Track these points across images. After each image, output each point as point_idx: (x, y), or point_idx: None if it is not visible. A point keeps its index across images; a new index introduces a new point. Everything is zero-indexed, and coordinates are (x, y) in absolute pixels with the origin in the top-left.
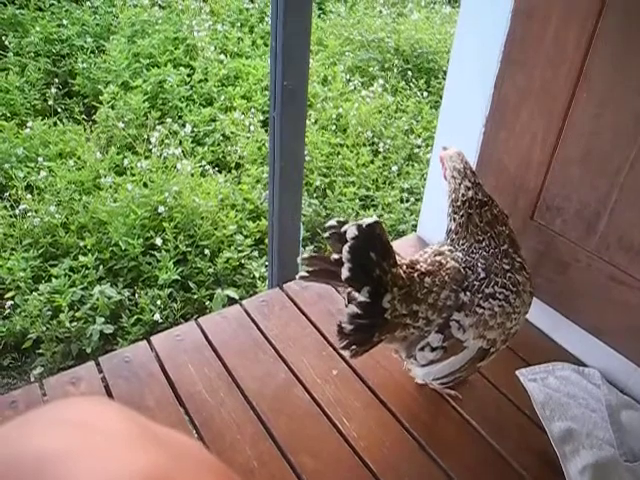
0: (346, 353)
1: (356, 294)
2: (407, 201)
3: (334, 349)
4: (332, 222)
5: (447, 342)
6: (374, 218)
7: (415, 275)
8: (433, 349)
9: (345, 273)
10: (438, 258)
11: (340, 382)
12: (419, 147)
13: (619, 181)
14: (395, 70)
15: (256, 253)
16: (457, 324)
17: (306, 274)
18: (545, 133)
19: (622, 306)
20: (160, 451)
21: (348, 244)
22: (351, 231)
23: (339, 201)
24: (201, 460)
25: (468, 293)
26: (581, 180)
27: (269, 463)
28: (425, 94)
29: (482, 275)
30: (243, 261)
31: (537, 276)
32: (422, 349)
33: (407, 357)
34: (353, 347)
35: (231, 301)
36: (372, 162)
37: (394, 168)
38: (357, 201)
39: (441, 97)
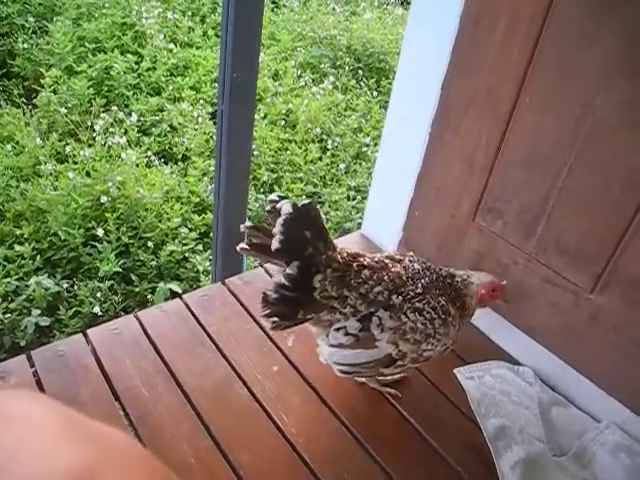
0: (267, 324)
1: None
2: (354, 199)
3: (275, 345)
4: (273, 196)
5: (362, 333)
6: (310, 200)
7: (354, 264)
8: (347, 334)
9: (275, 244)
10: (387, 261)
11: (280, 378)
12: (367, 146)
13: (558, 186)
14: (346, 68)
15: (200, 247)
16: (378, 321)
17: (247, 246)
18: (489, 136)
19: (555, 307)
20: (89, 446)
21: (282, 217)
22: (286, 208)
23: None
24: (133, 455)
25: (400, 297)
26: (522, 183)
27: (207, 459)
28: (375, 93)
29: (419, 290)
30: (187, 255)
31: (362, 256)
32: (337, 330)
33: (320, 334)
34: (276, 319)
35: (174, 295)
36: (320, 159)
37: (342, 166)
38: (304, 197)
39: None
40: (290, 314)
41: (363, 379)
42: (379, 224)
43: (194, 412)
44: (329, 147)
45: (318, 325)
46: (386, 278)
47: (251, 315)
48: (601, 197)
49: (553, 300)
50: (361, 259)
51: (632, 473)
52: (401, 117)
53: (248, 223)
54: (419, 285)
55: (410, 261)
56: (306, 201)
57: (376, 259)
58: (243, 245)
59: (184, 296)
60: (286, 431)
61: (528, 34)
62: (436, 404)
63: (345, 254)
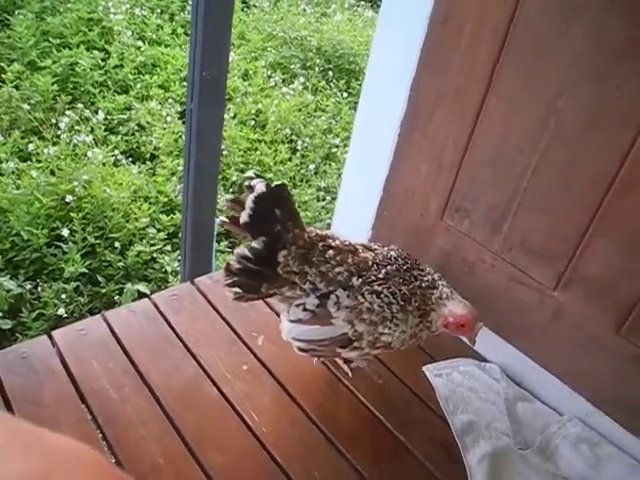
0: (230, 294)
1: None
2: (323, 199)
3: (245, 344)
4: (250, 173)
5: (319, 309)
6: (282, 182)
7: (320, 244)
8: (305, 309)
9: (244, 217)
10: (359, 247)
11: (250, 377)
12: (337, 147)
13: (523, 185)
14: (316, 69)
15: (169, 247)
16: (336, 298)
17: (226, 219)
18: (457, 136)
19: (520, 305)
20: (37, 457)
21: (254, 194)
22: (259, 187)
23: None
24: (84, 460)
25: (360, 280)
26: (489, 183)
27: (176, 459)
28: (345, 95)
29: (381, 276)
30: (155, 255)
31: (445, 275)
32: (298, 305)
33: (283, 310)
34: (238, 290)
35: (141, 296)
36: (290, 159)
37: (312, 167)
38: None
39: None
40: (253, 287)
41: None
42: (348, 223)
43: (163, 412)
44: (299, 148)
45: (282, 301)
46: (350, 261)
47: (220, 315)
48: (564, 197)
49: (518, 298)
50: (330, 241)
51: (592, 464)
52: (370, 117)
53: (229, 196)
54: (383, 271)
55: (388, 250)
56: (279, 182)
57: (347, 243)
58: (223, 218)
59: (153, 296)
60: (256, 430)
61: (495, 36)
62: (405, 402)
63: (314, 234)
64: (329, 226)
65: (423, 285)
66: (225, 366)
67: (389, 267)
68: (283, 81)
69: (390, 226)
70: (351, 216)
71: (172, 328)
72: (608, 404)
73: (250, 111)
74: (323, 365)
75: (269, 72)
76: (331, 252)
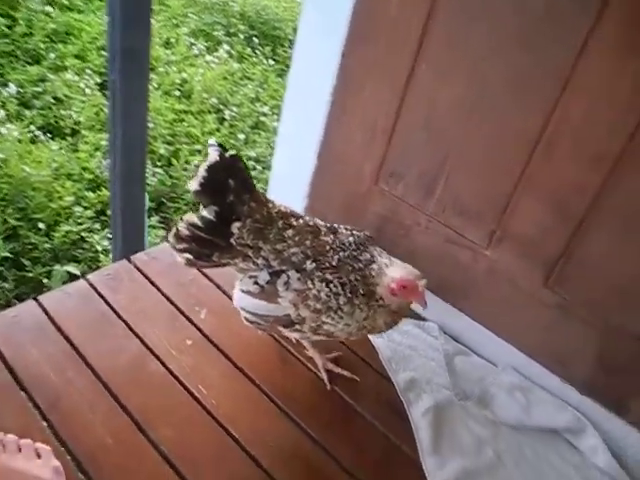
0: (180, 259)
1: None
2: (254, 169)
3: (187, 319)
4: (212, 141)
5: (268, 286)
6: (236, 153)
7: (280, 222)
8: (256, 283)
9: (195, 185)
10: (323, 229)
11: (195, 351)
12: (265, 115)
13: (454, 148)
14: (240, 36)
15: (98, 225)
16: (286, 278)
17: (199, 187)
18: (389, 102)
19: (455, 265)
20: None
21: (207, 163)
22: (212, 155)
23: (185, 170)
24: None
25: (314, 264)
26: (421, 147)
27: (125, 438)
28: (271, 62)
29: (334, 263)
30: (84, 234)
31: (382, 239)
32: (250, 277)
33: (238, 278)
34: (188, 256)
35: (72, 278)
36: (218, 130)
37: (241, 136)
38: None
39: (287, 66)
40: (204, 255)
41: (312, 353)
42: (284, 193)
43: (109, 393)
44: (227, 117)
45: (237, 271)
46: (308, 243)
47: (160, 291)
48: (493, 159)
49: (453, 258)
50: (292, 219)
51: (526, 408)
52: (301, 85)
53: (197, 163)
54: (336, 258)
55: (349, 235)
56: (233, 152)
57: (310, 223)
58: (196, 187)
59: (88, 276)
60: (206, 403)
61: (423, 3)
62: (351, 365)
63: (277, 210)
64: None
65: (362, 265)
66: (169, 342)
67: (342, 253)
68: (207, 49)
69: (325, 193)
70: (286, 185)
71: (111, 307)
72: (538, 352)
73: (174, 81)
74: (269, 336)
75: (192, 40)
76: (290, 232)
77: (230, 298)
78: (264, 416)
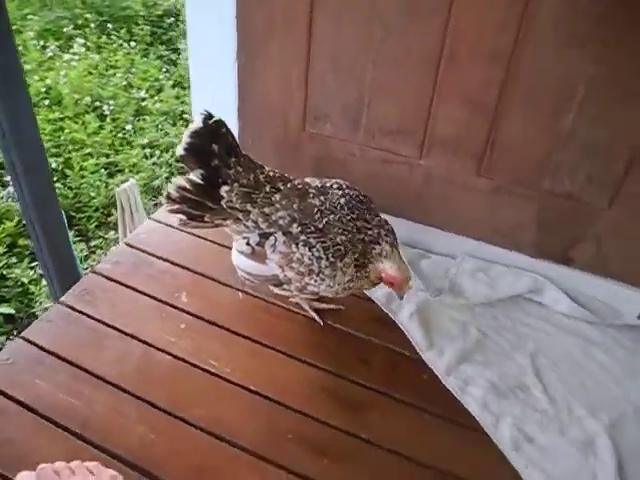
0: (175, 221)
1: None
2: (152, 156)
3: (172, 306)
4: (202, 110)
5: (258, 248)
6: (219, 118)
7: (267, 186)
8: (248, 244)
9: (179, 150)
10: (312, 192)
11: (191, 332)
12: (144, 100)
13: (368, 80)
14: (92, 25)
15: (14, 259)
16: (274, 241)
17: (183, 152)
18: (297, 52)
19: (395, 181)
20: None
21: (191, 129)
22: (196, 121)
23: (82, 177)
24: None
25: (300, 228)
26: (338, 87)
27: (164, 429)
28: (132, 44)
29: (321, 226)
30: (3, 272)
31: (321, 176)
32: (244, 238)
33: (235, 239)
34: (182, 217)
35: (7, 318)
36: (102, 128)
37: (128, 127)
38: (103, 171)
39: (148, 44)
40: (196, 216)
41: (297, 299)
42: None
43: (130, 395)
44: (106, 113)
45: (232, 232)
46: (295, 206)
47: (135, 289)
48: (406, 80)
49: (392, 175)
50: (280, 184)
51: (490, 285)
52: (203, 56)
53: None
54: (324, 221)
55: (340, 195)
56: (217, 118)
57: (300, 186)
58: (181, 151)
59: (62, 299)
60: (221, 373)
61: None
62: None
63: (265, 175)
64: (168, 180)
65: (366, 239)
66: (164, 332)
67: (331, 216)
68: (60, 48)
69: (256, 151)
70: None
71: (97, 320)
72: (486, 234)
73: (39, 90)
74: (249, 295)
75: (41, 42)
76: (278, 196)
77: (202, 275)
78: (277, 366)
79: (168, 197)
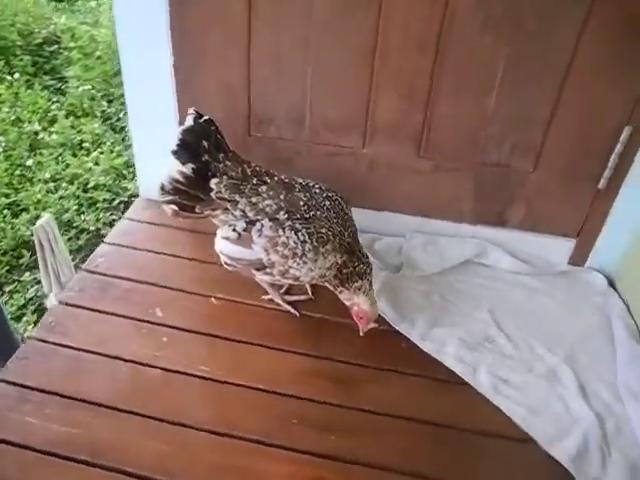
0: (168, 210)
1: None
2: (57, 190)
3: (149, 322)
4: (191, 110)
5: (244, 233)
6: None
7: (255, 179)
8: (234, 230)
9: (172, 147)
10: (297, 186)
11: (174, 343)
12: (37, 133)
13: (307, 81)
14: None
15: None
16: (260, 227)
17: (176, 148)
18: (237, 60)
19: (342, 172)
20: None
21: (183, 127)
22: (188, 121)
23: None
24: None
25: (286, 215)
26: (280, 90)
27: (174, 438)
28: (16, 75)
29: (307, 216)
30: None
31: (271, 175)
32: (230, 225)
33: (220, 228)
34: (175, 207)
35: None
36: None
37: (29, 162)
38: (5, 212)
39: (31, 75)
40: (188, 207)
41: (269, 296)
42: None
43: (131, 414)
44: None
45: (219, 222)
46: (282, 197)
47: (108, 313)
48: (343, 75)
49: (339, 166)
50: (266, 177)
51: (439, 254)
52: (138, 73)
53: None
54: (310, 214)
55: (324, 198)
56: (207, 117)
57: (286, 180)
58: (174, 148)
59: (32, 334)
60: (215, 376)
61: None
62: (299, 288)
63: (251, 169)
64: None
65: (356, 269)
66: (148, 348)
67: (318, 212)
68: None
69: None
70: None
71: (75, 349)
72: (430, 210)
73: None
74: (221, 300)
75: None
76: (264, 187)
77: (170, 289)
78: (265, 359)
79: (162, 189)
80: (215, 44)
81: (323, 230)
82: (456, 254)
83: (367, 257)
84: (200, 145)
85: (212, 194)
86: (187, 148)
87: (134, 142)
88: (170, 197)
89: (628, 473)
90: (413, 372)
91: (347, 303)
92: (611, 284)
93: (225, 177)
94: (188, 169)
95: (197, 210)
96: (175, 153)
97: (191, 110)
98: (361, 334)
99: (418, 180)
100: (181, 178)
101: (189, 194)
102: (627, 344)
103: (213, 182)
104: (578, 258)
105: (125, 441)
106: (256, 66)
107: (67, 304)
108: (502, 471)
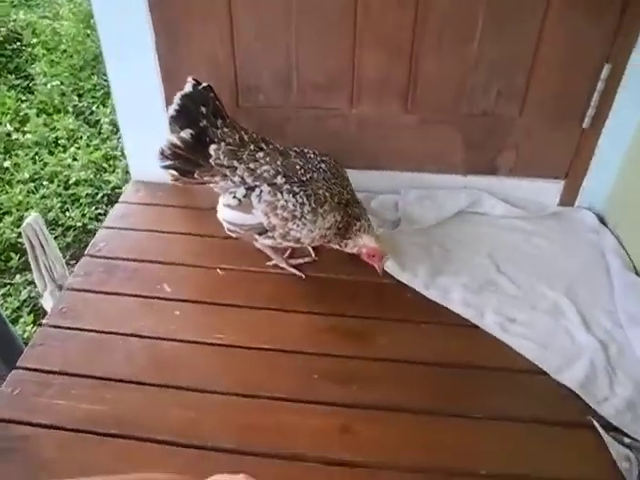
0: (168, 176)
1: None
2: (38, 189)
3: (160, 299)
4: (190, 78)
5: (244, 199)
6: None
7: (252, 146)
8: (234, 197)
9: (170, 112)
10: (292, 153)
11: (187, 315)
12: (9, 134)
13: (292, 42)
14: None
15: None
16: (259, 192)
17: (174, 113)
18: (219, 30)
19: (332, 134)
20: None
21: (181, 92)
22: (187, 87)
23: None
24: None
25: (284, 179)
26: (264, 55)
27: (202, 405)
28: None
29: (304, 179)
30: None
31: (267, 142)
32: (230, 193)
33: (221, 195)
34: (174, 172)
35: None
36: None
37: (6, 164)
38: None
39: None
40: (187, 172)
41: (273, 262)
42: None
43: (156, 387)
44: None
45: (219, 189)
46: (278, 162)
47: (117, 294)
48: (327, 34)
49: (328, 129)
50: (263, 144)
51: (437, 208)
52: (120, 55)
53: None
54: (307, 176)
55: (320, 161)
56: (205, 84)
57: (281, 148)
58: (172, 112)
59: (44, 321)
60: (231, 342)
61: None
62: (301, 250)
63: (249, 136)
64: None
65: (350, 213)
66: (163, 323)
67: (315, 174)
68: None
69: None
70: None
71: (91, 330)
72: (422, 164)
73: None
74: (227, 270)
75: None
76: (261, 154)
77: (175, 264)
78: (277, 322)
79: (161, 153)
80: (196, 16)
81: (320, 192)
82: (451, 205)
83: (359, 202)
84: (198, 111)
85: (211, 160)
86: (185, 113)
87: (121, 125)
88: (169, 162)
89: (633, 390)
90: (422, 320)
91: (355, 251)
92: (601, 221)
93: (223, 144)
94: (187, 134)
95: (196, 176)
96: (173, 118)
97: (190, 78)
98: (380, 273)
99: (408, 136)
100: (179, 143)
101: (188, 159)
102: (622, 274)
103: (212, 148)
104: (568, 198)
105: (152, 412)
106: (239, 34)
107: (75, 289)
108: (518, 400)
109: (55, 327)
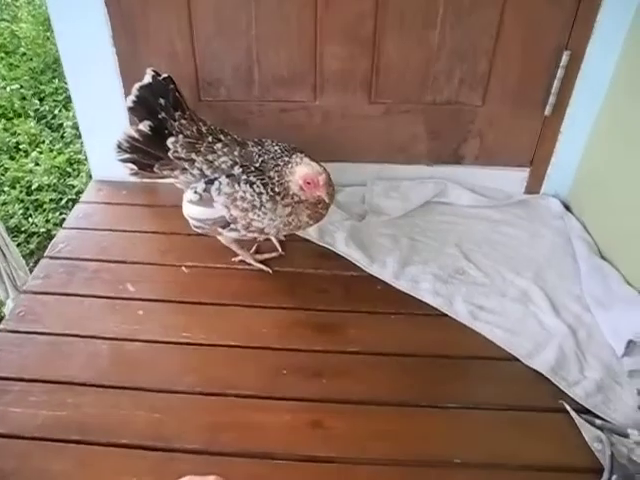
0: (126, 170)
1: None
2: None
3: (123, 299)
4: (149, 70)
5: (205, 194)
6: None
7: (210, 137)
8: (195, 192)
9: (128, 103)
10: (250, 143)
11: (150, 314)
12: None
13: (252, 35)
14: None
15: None
16: (218, 185)
17: (132, 104)
18: (177, 22)
19: (297, 126)
20: None
21: (140, 83)
22: (146, 77)
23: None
24: None
25: (241, 169)
26: (224, 48)
27: (167, 406)
28: None
29: (257, 166)
30: None
31: (225, 134)
32: (192, 188)
33: (184, 192)
34: (133, 166)
35: None
36: None
37: None
38: None
39: None
40: (146, 165)
41: (239, 257)
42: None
43: (118, 389)
44: None
45: (182, 185)
46: (236, 153)
47: (78, 295)
48: (288, 26)
49: (293, 122)
50: (221, 135)
51: (403, 199)
52: (75, 53)
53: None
54: (260, 160)
55: (275, 145)
56: (166, 75)
57: (239, 139)
58: (129, 104)
59: (1, 326)
60: (198, 340)
61: None
62: (269, 246)
63: (207, 127)
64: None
65: (280, 163)
66: (125, 323)
67: (266, 156)
68: None
69: None
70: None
71: (50, 334)
72: (387, 155)
73: None
74: (193, 268)
75: None
76: (219, 145)
77: (138, 263)
78: (245, 318)
79: (119, 146)
80: (154, 9)
81: (272, 174)
82: (418, 196)
83: (290, 146)
84: (157, 103)
85: (169, 154)
86: (144, 105)
87: (80, 123)
88: (127, 155)
89: (602, 372)
90: (392, 311)
91: (302, 193)
92: (567, 207)
93: (181, 136)
94: (145, 127)
95: (156, 170)
96: (131, 109)
97: (149, 69)
98: (327, 201)
99: (372, 127)
100: (137, 136)
101: (146, 152)
102: (588, 259)
103: (170, 141)
104: (533, 186)
105: (115, 415)
106: (198, 28)
107: (34, 292)
108: (490, 387)
109: (12, 332)
